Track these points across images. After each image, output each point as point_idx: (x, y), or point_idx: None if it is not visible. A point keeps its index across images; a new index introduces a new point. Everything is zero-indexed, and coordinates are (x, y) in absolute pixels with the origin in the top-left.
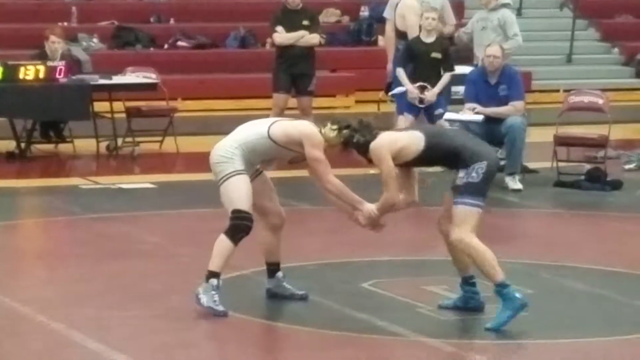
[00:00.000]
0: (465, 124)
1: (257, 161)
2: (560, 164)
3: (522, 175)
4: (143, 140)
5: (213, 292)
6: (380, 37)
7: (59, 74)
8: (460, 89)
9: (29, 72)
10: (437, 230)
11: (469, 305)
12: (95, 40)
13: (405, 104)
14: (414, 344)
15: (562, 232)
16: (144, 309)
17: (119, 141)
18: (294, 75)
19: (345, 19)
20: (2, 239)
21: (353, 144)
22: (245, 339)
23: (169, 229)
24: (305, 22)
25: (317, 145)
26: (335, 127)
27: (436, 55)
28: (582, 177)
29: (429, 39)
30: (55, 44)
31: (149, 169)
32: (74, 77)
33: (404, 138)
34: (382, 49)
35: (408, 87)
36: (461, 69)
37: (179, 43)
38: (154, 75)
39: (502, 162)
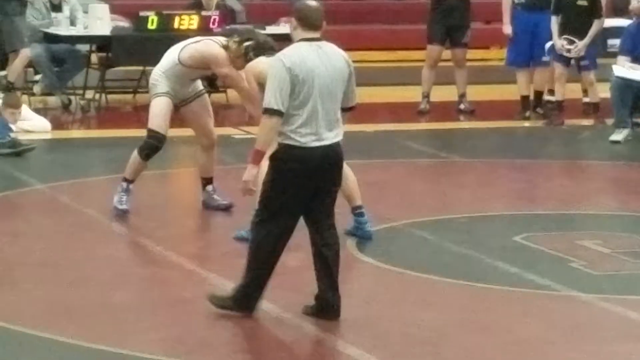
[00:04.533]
0: (629, 82)
1: (186, 82)
2: None
3: None
4: None
5: (122, 193)
6: None
7: (213, 24)
8: (616, 42)
9: (184, 21)
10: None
11: (357, 234)
12: None
13: (556, 54)
14: (566, 298)
15: None
16: (295, 259)
17: None
18: (449, 26)
19: None
20: (154, 188)
21: (246, 58)
22: (396, 291)
23: None
24: None
25: (222, 63)
26: (237, 39)
27: (582, 2)
28: None
29: None
30: None
31: None
32: (227, 27)
33: (264, 63)
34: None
35: (554, 40)
36: (617, 22)
37: None
38: None
39: None
